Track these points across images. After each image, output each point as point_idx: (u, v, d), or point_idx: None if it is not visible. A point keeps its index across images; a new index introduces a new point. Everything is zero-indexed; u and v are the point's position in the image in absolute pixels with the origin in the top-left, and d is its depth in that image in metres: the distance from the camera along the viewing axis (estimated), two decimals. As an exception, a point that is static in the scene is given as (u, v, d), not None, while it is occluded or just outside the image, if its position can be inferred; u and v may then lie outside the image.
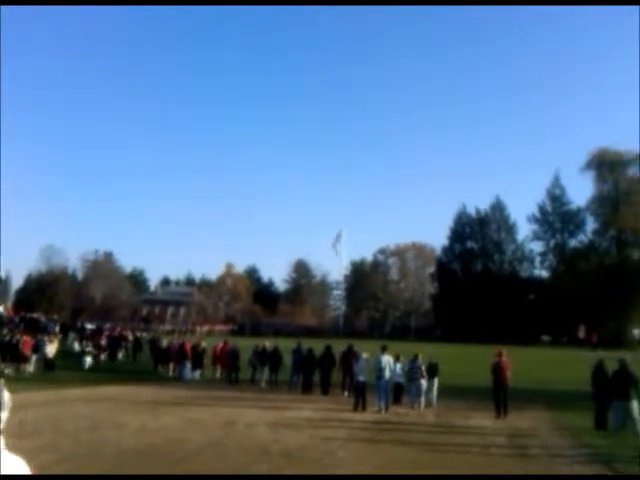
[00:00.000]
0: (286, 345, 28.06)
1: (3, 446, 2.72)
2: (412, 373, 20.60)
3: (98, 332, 41.88)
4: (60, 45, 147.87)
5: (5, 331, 33.10)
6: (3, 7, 72.58)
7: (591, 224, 79.65)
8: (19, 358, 28.20)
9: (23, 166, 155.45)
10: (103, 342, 36.12)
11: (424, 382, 20.42)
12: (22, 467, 2.77)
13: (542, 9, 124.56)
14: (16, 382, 19.18)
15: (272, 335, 58.50)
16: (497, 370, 18.57)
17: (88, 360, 31.97)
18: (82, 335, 43.12)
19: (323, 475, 10.23)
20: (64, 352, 34.25)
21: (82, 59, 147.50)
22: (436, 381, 21.05)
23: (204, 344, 30.71)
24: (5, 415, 2.77)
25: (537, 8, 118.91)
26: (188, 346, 29.79)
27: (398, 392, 20.80)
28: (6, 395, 2.78)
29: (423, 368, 20.67)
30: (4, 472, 2.65)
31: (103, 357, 34.71)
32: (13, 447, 2.74)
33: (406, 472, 11.03)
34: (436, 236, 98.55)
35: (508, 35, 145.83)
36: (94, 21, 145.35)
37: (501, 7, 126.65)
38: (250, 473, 10.59)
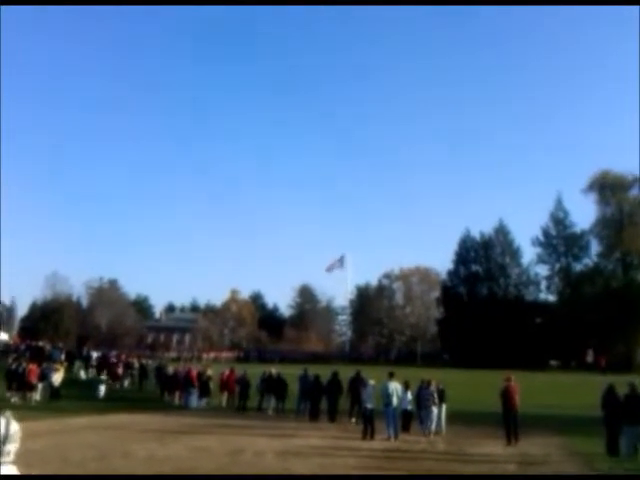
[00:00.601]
0: (292, 372, 27.90)
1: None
2: (424, 400, 20.39)
3: (104, 360, 41.67)
4: (64, 51, 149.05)
5: (11, 359, 32.90)
6: (3, 7, 73.27)
7: (595, 247, 79.56)
8: (25, 386, 28.09)
9: (25, 193, 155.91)
10: (120, 370, 35.71)
11: (435, 409, 20.24)
12: None
13: (541, 26, 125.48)
14: (23, 411, 19.06)
15: (278, 361, 58.27)
16: (506, 395, 18.40)
17: (102, 388, 31.58)
18: (88, 363, 43.04)
19: (324, 475, 10.11)
20: (70, 380, 34.13)
21: (86, 66, 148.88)
22: (444, 407, 20.72)
23: (210, 372, 30.52)
24: (15, 447, 2.76)
25: (536, 25, 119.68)
26: (194, 373, 29.63)
27: (407, 419, 20.55)
28: (15, 427, 2.78)
29: (435, 395, 20.48)
30: None
31: (119, 386, 34.44)
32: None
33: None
34: (440, 260, 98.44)
35: (511, 47, 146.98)
36: (96, 22, 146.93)
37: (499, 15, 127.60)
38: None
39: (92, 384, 33.77)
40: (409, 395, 20.79)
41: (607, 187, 75.34)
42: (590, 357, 67.59)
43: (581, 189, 77.25)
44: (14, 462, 2.75)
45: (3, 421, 2.74)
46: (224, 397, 28.75)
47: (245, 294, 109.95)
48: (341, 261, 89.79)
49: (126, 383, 36.28)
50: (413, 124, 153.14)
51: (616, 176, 74.74)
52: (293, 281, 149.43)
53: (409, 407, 20.64)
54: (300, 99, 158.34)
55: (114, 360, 40.22)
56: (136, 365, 38.97)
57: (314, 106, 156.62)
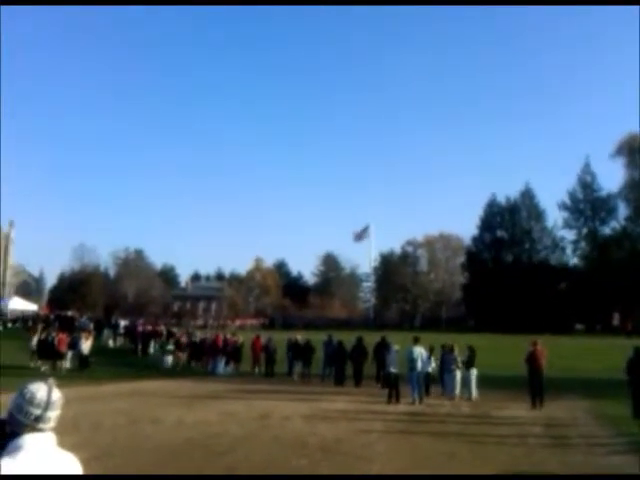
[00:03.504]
0: (317, 338, 28.08)
1: (54, 443, 2.78)
2: (448, 364, 20.47)
3: (133, 328, 42.29)
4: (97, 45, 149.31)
5: (40, 329, 33.46)
6: (3, 7, 73.22)
7: (623, 210, 78.63)
8: (55, 355, 28.60)
9: (53, 168, 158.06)
10: (184, 340, 33.49)
11: (459, 373, 20.29)
12: (74, 464, 2.82)
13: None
14: (53, 379, 19.46)
15: (303, 328, 58.60)
16: (532, 360, 18.39)
17: (169, 359, 31.48)
18: (116, 332, 43.70)
19: (325, 475, 10.23)
20: (99, 348, 34.72)
21: (97, 61, 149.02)
22: (475, 372, 20.31)
23: (241, 338, 30.84)
24: (56, 414, 2.81)
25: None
26: (220, 340, 29.98)
27: (427, 383, 20.60)
28: (57, 394, 2.82)
29: (459, 359, 20.50)
30: (58, 469, 2.70)
31: (183, 357, 32.29)
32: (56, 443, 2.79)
33: (443, 464, 10.99)
34: (463, 226, 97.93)
35: (537, 30, 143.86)
36: (98, 23, 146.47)
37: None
38: (290, 466, 10.65)
39: (157, 356, 33.92)
40: (432, 360, 20.85)
41: (636, 150, 74.14)
42: (616, 320, 67.18)
43: (609, 153, 76.30)
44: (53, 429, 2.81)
45: (46, 388, 2.79)
46: (251, 363, 29.06)
47: (269, 262, 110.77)
48: (364, 232, 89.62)
49: (152, 350, 36.68)
50: (436, 88, 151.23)
51: (645, 139, 73.42)
52: (316, 249, 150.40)
53: (430, 370, 20.67)
54: (321, 74, 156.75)
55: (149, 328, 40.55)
56: (164, 333, 39.47)
57: (341, 74, 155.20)
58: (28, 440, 2.67)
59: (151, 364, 31.96)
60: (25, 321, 56.14)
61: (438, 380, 21.15)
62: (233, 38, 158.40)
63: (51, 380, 2.88)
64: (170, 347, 32.47)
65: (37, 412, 2.72)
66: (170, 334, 36.44)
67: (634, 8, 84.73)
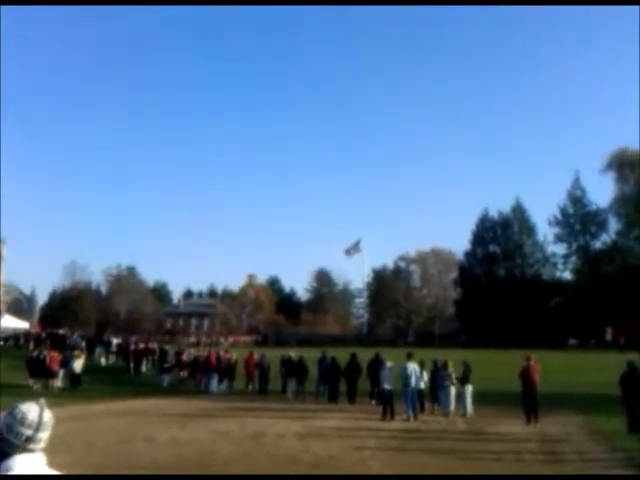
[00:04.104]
0: (311, 355, 28.00)
1: (45, 463, 2.75)
2: (441, 380, 20.42)
3: (125, 346, 42.02)
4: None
5: (32, 347, 33.23)
6: (3, 7, 73.45)
7: (613, 225, 79.00)
8: (47, 374, 28.39)
9: (44, 183, 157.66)
10: (185, 357, 33.35)
11: (453, 389, 20.24)
12: None
13: (554, 10, 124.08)
14: (45, 398, 19.31)
15: (296, 345, 58.42)
16: (526, 375, 18.36)
17: (166, 378, 31.07)
18: (108, 350, 43.43)
19: (324, 475, 10.17)
20: (91, 367, 34.48)
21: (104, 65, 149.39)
22: (470, 388, 20.25)
23: (235, 355, 30.70)
24: (47, 435, 2.79)
25: (549, 9, 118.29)
26: (214, 357, 29.82)
27: (420, 399, 20.48)
28: (48, 414, 2.80)
29: (453, 375, 20.46)
30: None
31: (185, 374, 32.02)
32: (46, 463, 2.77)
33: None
34: (455, 241, 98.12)
35: (525, 37, 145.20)
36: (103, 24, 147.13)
37: (516, 7, 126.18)
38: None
39: (157, 373, 33.06)
40: (425, 375, 20.80)
41: (626, 165, 74.69)
42: (609, 335, 67.15)
43: (599, 168, 76.89)
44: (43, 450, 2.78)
45: (38, 408, 2.77)
46: (245, 381, 28.93)
47: (262, 279, 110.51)
48: (357, 245, 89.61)
49: (144, 368, 36.53)
50: (427, 104, 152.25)
51: (634, 153, 73.92)
52: (309, 265, 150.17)
53: (422, 386, 20.58)
54: (315, 90, 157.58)
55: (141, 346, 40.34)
56: (156, 350, 39.23)
57: (328, 98, 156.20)
58: (19, 461, 2.64)
59: (145, 382, 31.74)
60: (17, 339, 55.79)
61: (429, 396, 21.05)
62: (229, 54, 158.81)
63: (42, 400, 2.85)
64: (168, 365, 31.98)
65: (28, 433, 2.70)
66: (163, 352, 36.23)
67: (634, 10, 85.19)
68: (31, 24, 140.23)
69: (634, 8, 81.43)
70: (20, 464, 2.63)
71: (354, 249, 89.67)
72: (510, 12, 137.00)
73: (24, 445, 2.68)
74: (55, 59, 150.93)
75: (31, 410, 2.74)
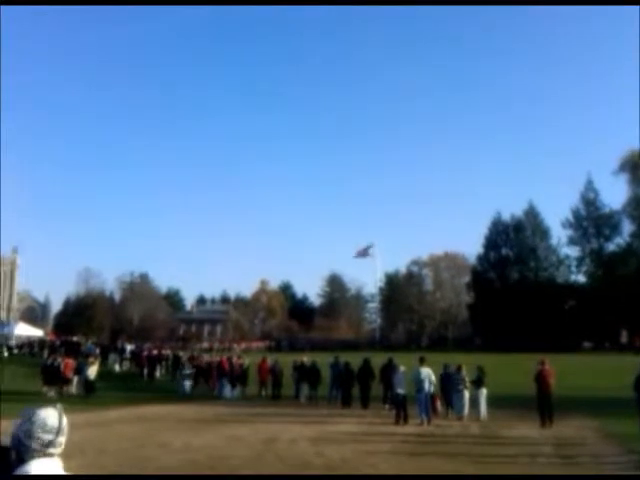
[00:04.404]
0: (323, 360, 27.97)
1: (61, 467, 2.77)
2: (455, 384, 20.32)
3: (139, 352, 42.19)
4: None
5: (46, 355, 33.44)
6: (3, 7, 74.00)
7: (627, 227, 78.54)
8: (61, 380, 28.57)
9: (58, 191, 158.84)
10: (203, 364, 33.09)
11: (467, 393, 20.14)
12: None
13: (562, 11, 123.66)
14: (59, 404, 19.40)
15: (309, 350, 58.35)
16: (540, 379, 18.26)
17: (187, 384, 30.14)
18: (122, 356, 43.60)
19: (323, 475, 10.13)
20: (105, 373, 34.61)
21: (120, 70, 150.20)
22: (484, 391, 20.16)
23: (247, 361, 30.70)
24: (64, 439, 2.81)
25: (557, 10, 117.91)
26: (226, 363, 29.85)
27: (433, 403, 20.38)
28: (65, 420, 2.82)
29: (467, 379, 20.37)
30: None
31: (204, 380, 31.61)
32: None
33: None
34: (467, 245, 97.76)
35: (538, 40, 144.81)
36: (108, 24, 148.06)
37: (522, 9, 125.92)
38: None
39: (176, 380, 32.69)
40: (433, 379, 20.68)
41: (638, 166, 74.26)
42: (624, 338, 66.71)
43: (612, 170, 76.41)
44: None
45: (56, 413, 2.79)
46: (258, 386, 28.93)
47: (274, 284, 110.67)
48: (367, 250, 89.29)
49: (158, 374, 36.71)
50: (440, 107, 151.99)
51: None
52: (322, 270, 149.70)
53: (432, 390, 20.46)
54: (320, 99, 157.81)
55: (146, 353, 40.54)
56: (170, 356, 39.38)
57: (342, 99, 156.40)
58: (38, 466, 2.66)
59: (158, 388, 31.80)
60: (31, 347, 56.09)
61: (449, 401, 20.93)
62: (240, 58, 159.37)
63: (59, 405, 2.88)
64: (187, 371, 31.07)
65: (49, 437, 2.72)
66: (176, 358, 36.35)
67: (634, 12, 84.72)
68: (31, 24, 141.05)
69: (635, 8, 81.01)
70: (39, 469, 2.65)
71: (366, 251, 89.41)
72: (526, 11, 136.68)
73: (44, 450, 2.71)
74: (56, 59, 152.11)
75: (50, 415, 2.77)
